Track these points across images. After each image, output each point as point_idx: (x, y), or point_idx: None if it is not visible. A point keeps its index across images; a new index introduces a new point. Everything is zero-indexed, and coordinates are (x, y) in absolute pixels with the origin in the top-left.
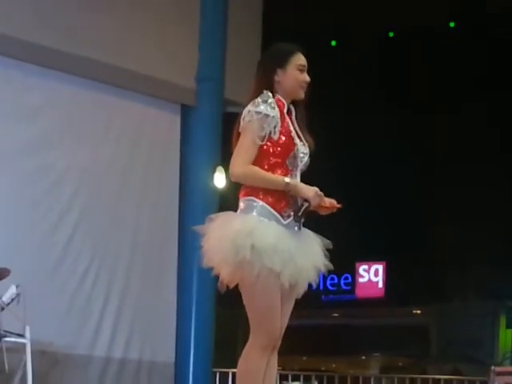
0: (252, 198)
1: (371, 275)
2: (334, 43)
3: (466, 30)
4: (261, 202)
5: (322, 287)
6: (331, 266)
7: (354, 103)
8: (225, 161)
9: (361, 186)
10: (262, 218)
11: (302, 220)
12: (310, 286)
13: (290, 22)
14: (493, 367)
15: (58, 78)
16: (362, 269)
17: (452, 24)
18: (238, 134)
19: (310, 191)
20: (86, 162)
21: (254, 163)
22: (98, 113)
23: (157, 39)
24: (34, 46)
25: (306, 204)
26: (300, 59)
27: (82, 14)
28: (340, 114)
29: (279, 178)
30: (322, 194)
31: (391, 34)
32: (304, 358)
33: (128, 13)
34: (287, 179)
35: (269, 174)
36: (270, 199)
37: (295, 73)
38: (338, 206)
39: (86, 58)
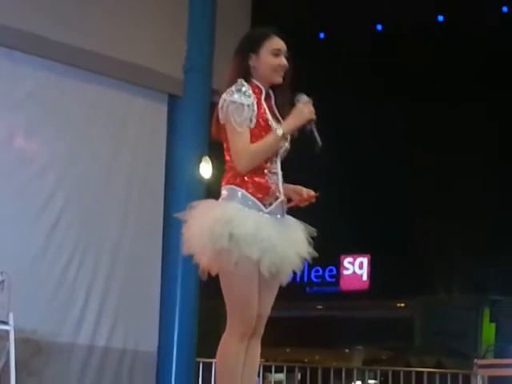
0: (233, 186)
1: (356, 268)
2: (322, 35)
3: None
4: (242, 191)
5: (306, 279)
6: (315, 254)
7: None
8: (211, 151)
9: (347, 179)
10: (242, 207)
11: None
12: (294, 277)
13: (280, 12)
14: (476, 360)
15: (45, 66)
16: (346, 261)
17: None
18: (217, 124)
19: (301, 113)
20: (72, 151)
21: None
22: (84, 102)
23: (144, 28)
24: (22, 33)
25: (312, 124)
26: (274, 43)
27: (71, 2)
28: (327, 105)
29: (273, 137)
30: (306, 102)
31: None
32: (288, 350)
33: (116, 2)
34: (279, 131)
35: (264, 143)
36: (252, 187)
37: (269, 57)
38: (315, 194)
39: (73, 46)
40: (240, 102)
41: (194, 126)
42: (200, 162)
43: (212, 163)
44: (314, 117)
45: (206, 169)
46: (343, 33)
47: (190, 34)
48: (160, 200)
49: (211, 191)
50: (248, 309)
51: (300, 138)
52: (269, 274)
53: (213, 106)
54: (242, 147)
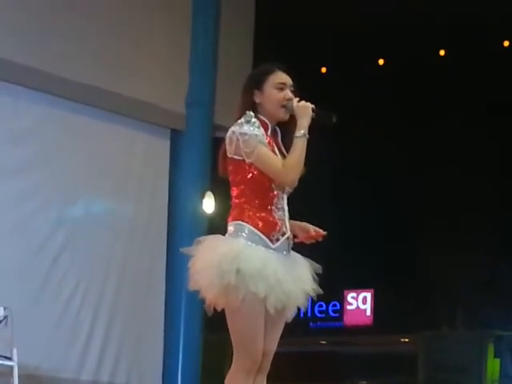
0: (240, 222)
1: (359, 303)
2: (324, 70)
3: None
4: (249, 226)
5: (310, 314)
6: (320, 290)
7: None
8: (214, 186)
9: (349, 213)
10: (249, 243)
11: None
12: (298, 313)
13: (282, 48)
14: None
15: (47, 102)
16: (350, 296)
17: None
18: (224, 158)
19: (305, 109)
20: (74, 185)
21: (241, 186)
22: (87, 137)
23: (147, 64)
24: (23, 68)
25: (315, 111)
26: (277, 77)
27: (73, 37)
28: (330, 140)
29: (300, 141)
30: (297, 102)
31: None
32: None
33: (118, 37)
34: (298, 134)
35: (296, 151)
36: (259, 223)
37: (273, 92)
38: (324, 233)
39: (75, 82)
40: (250, 134)
41: (197, 160)
42: (203, 197)
43: (215, 198)
44: (312, 105)
45: (208, 204)
46: (346, 67)
47: (192, 69)
48: (163, 235)
49: (214, 226)
50: (253, 344)
51: (306, 174)
52: (275, 310)
53: (215, 141)
54: (276, 166)
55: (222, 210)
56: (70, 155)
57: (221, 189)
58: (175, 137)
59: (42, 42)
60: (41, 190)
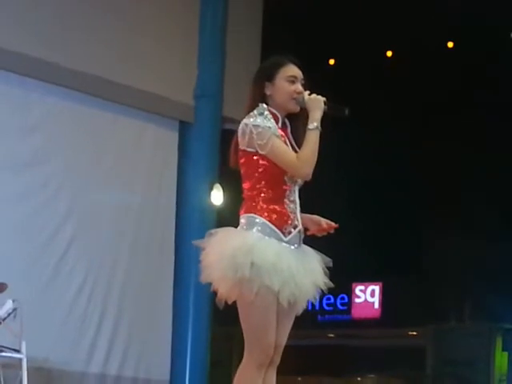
0: (252, 214)
1: (367, 296)
2: (332, 62)
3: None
4: (262, 219)
5: (318, 307)
6: (331, 284)
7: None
8: (222, 178)
9: (358, 206)
10: (262, 235)
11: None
12: (306, 306)
13: (290, 39)
14: None
15: (57, 93)
16: (358, 289)
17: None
18: (236, 150)
19: (317, 102)
20: (83, 178)
21: (253, 179)
22: (95, 128)
23: (155, 55)
24: (33, 59)
25: (327, 103)
26: (289, 70)
27: (82, 30)
28: (336, 133)
29: (313, 134)
30: (308, 95)
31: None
32: (299, 379)
33: (127, 29)
34: (311, 126)
35: (309, 143)
36: (271, 216)
37: (284, 84)
38: (335, 226)
39: (84, 73)
40: (263, 126)
41: (205, 152)
42: (211, 189)
43: (223, 191)
44: (323, 98)
45: (217, 196)
46: (353, 59)
47: (200, 61)
48: (171, 227)
49: (222, 218)
50: (267, 337)
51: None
52: (287, 303)
53: (223, 133)
54: (291, 159)
55: (231, 202)
56: (79, 147)
57: (229, 181)
58: (184, 128)
59: (53, 34)
60: (50, 183)
